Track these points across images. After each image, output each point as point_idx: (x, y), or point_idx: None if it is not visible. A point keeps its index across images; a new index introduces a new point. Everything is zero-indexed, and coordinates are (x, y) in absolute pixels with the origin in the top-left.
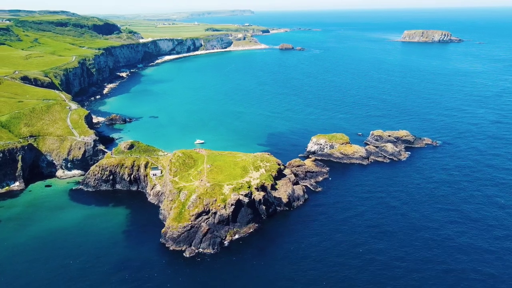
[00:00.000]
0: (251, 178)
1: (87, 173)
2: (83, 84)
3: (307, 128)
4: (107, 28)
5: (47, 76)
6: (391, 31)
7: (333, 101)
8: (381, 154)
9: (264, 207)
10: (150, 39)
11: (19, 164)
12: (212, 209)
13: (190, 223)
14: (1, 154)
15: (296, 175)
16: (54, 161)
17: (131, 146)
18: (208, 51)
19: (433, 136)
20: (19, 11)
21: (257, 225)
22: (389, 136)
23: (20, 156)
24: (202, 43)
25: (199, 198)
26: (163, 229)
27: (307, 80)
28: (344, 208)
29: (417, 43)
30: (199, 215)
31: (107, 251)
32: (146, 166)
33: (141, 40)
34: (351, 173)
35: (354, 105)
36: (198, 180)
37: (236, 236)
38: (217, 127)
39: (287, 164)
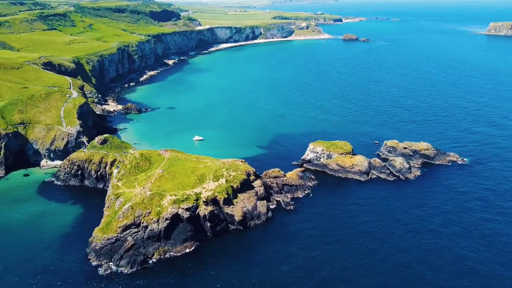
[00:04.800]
0: (203, 189)
1: (59, 166)
2: (120, 71)
3: (322, 131)
4: (165, 14)
5: (74, 62)
6: (476, 23)
7: (368, 101)
8: (386, 169)
9: (210, 224)
10: (207, 27)
11: (2, 152)
12: (143, 222)
13: (115, 235)
14: None
15: (269, 187)
16: (39, 150)
17: (104, 141)
18: (267, 40)
19: (465, 151)
20: None
21: (196, 244)
22: (404, 148)
23: (3, 143)
24: (262, 32)
25: (132, 208)
26: (90, 238)
27: (350, 75)
28: (306, 232)
29: (505, 36)
30: (127, 227)
31: (37, 252)
32: (112, 164)
33: (197, 28)
34: (340, 190)
35: (391, 107)
36: (141, 187)
37: (167, 255)
38: (226, 123)
39: (263, 174)
